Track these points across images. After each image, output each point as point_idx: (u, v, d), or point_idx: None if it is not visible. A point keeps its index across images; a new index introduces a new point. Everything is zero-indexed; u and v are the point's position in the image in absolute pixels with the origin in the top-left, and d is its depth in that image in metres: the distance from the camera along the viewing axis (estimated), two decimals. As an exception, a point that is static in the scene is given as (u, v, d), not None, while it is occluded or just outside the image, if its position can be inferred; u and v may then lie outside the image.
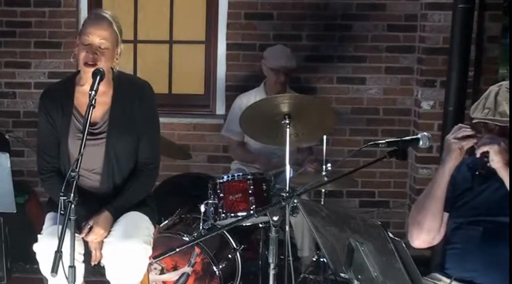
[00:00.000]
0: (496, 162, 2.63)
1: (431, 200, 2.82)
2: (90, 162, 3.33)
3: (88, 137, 3.20)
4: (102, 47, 3.28)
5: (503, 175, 2.64)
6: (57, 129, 3.39)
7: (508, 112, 2.68)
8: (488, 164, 2.67)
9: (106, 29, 3.31)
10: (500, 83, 2.79)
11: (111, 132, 3.37)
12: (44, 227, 3.32)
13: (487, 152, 2.64)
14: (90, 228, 3.25)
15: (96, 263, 3.30)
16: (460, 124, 2.80)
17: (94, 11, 3.46)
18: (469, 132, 2.73)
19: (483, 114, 2.72)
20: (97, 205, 3.34)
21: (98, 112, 3.35)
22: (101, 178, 3.40)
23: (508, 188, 2.63)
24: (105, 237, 3.28)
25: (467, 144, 2.72)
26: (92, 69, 3.22)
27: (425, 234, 2.85)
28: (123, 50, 3.43)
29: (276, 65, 4.79)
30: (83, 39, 3.31)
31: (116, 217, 3.33)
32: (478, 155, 2.68)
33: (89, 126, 3.12)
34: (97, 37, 3.28)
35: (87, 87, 3.23)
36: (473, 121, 2.78)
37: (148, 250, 3.30)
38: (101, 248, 3.28)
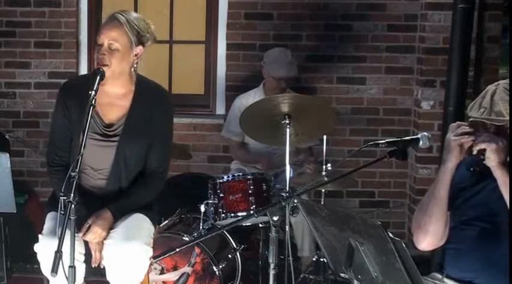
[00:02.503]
0: (491, 160, 2.63)
1: (434, 201, 2.80)
2: (99, 162, 3.35)
3: (101, 138, 3.31)
4: (112, 47, 3.28)
5: (497, 174, 2.64)
6: (71, 123, 3.37)
7: (503, 112, 2.67)
8: (483, 162, 2.67)
9: (115, 30, 3.30)
10: (497, 82, 2.78)
11: (125, 136, 3.36)
12: (45, 227, 3.31)
13: (484, 150, 2.64)
14: (89, 227, 3.25)
15: (96, 265, 3.28)
16: (457, 122, 2.80)
17: (114, 12, 3.44)
18: (467, 129, 2.73)
19: (479, 113, 2.72)
20: (100, 205, 3.32)
21: (115, 115, 3.37)
22: (107, 180, 3.39)
23: (500, 188, 2.63)
24: (106, 238, 3.26)
25: (466, 141, 2.71)
26: (104, 68, 3.25)
27: (430, 237, 2.83)
28: (142, 51, 3.39)
29: (277, 75, 4.79)
30: (96, 38, 3.35)
31: (116, 218, 3.32)
32: (475, 152, 2.68)
33: (105, 127, 3.29)
34: (106, 38, 3.28)
35: (106, 87, 3.28)
36: (470, 119, 2.78)
37: (149, 252, 3.29)
38: (101, 250, 3.26)
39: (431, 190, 2.84)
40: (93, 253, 3.27)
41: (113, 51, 3.28)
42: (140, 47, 3.37)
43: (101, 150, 3.31)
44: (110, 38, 3.28)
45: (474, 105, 2.76)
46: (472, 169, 2.76)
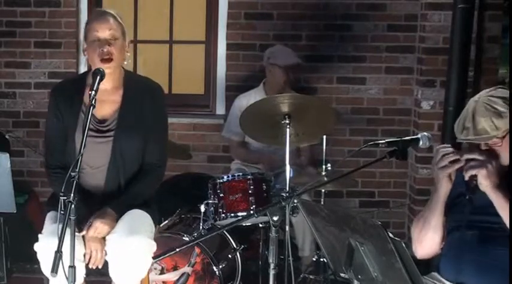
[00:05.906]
0: (484, 185, 2.64)
1: (430, 217, 2.82)
2: (96, 159, 3.35)
3: (96, 134, 3.31)
4: (114, 38, 3.30)
5: (493, 197, 2.64)
6: (64, 124, 3.38)
7: (487, 129, 2.66)
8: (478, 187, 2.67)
9: (111, 22, 3.33)
10: (478, 95, 2.76)
11: (120, 130, 3.37)
12: (45, 226, 3.31)
13: (475, 175, 2.65)
14: (91, 225, 3.22)
15: (95, 266, 3.24)
16: (440, 149, 2.78)
17: (95, 10, 3.50)
18: (451, 157, 2.72)
19: (463, 134, 2.71)
20: (99, 203, 3.33)
21: (108, 110, 3.38)
22: (106, 177, 3.38)
23: (498, 210, 2.62)
24: (108, 234, 3.25)
25: (451, 170, 2.73)
26: (108, 64, 3.26)
27: (427, 250, 2.87)
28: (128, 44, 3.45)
29: (286, 62, 4.84)
30: (91, 36, 3.33)
31: (118, 214, 3.31)
32: (466, 178, 2.69)
33: (98, 123, 3.29)
34: (106, 29, 3.30)
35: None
36: (458, 141, 2.78)
37: (153, 246, 3.29)
38: (102, 250, 3.23)
39: (426, 214, 2.85)
40: (93, 252, 3.22)
41: (114, 41, 3.30)
42: (127, 41, 3.42)
43: (97, 146, 3.31)
44: (109, 28, 3.31)
45: (458, 125, 2.75)
46: (467, 197, 2.75)
